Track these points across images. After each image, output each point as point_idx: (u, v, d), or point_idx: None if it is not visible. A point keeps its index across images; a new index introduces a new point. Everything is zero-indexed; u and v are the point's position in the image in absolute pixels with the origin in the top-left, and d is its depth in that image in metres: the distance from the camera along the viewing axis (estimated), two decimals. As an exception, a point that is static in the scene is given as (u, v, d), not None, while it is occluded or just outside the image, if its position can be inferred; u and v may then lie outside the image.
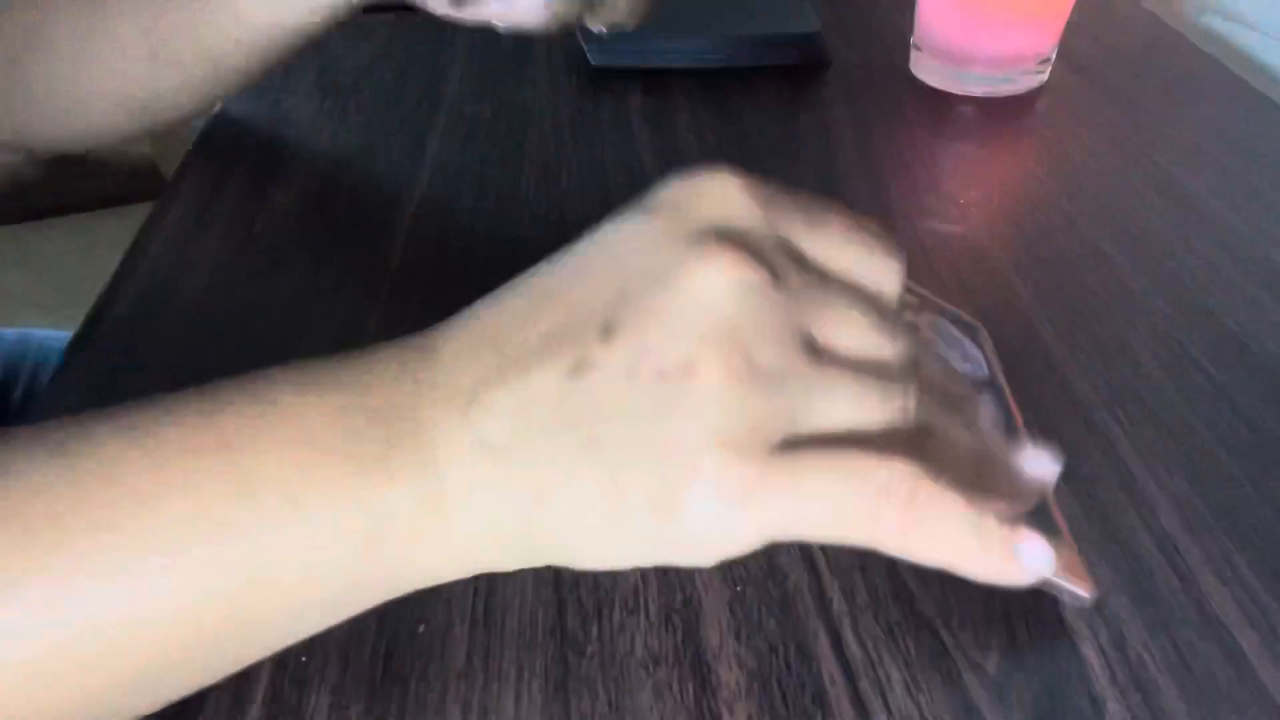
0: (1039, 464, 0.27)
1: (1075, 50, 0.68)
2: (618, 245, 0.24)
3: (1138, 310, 0.44)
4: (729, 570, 0.33)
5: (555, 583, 0.32)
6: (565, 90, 0.64)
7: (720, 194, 0.24)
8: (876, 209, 0.51)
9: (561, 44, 0.70)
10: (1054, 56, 0.63)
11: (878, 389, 0.23)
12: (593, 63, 0.65)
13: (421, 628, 0.31)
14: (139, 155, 1.74)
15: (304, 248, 0.49)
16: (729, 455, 0.21)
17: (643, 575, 0.32)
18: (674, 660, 0.30)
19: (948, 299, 0.45)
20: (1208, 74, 0.66)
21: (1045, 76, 0.64)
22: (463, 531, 0.22)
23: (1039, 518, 0.32)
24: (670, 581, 0.32)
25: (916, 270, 0.46)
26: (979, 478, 0.25)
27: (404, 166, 0.55)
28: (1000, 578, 0.24)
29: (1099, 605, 0.31)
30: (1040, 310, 0.44)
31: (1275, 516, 0.34)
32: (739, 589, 0.32)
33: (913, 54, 0.66)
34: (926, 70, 0.65)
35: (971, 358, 0.39)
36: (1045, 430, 0.38)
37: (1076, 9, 0.62)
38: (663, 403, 0.21)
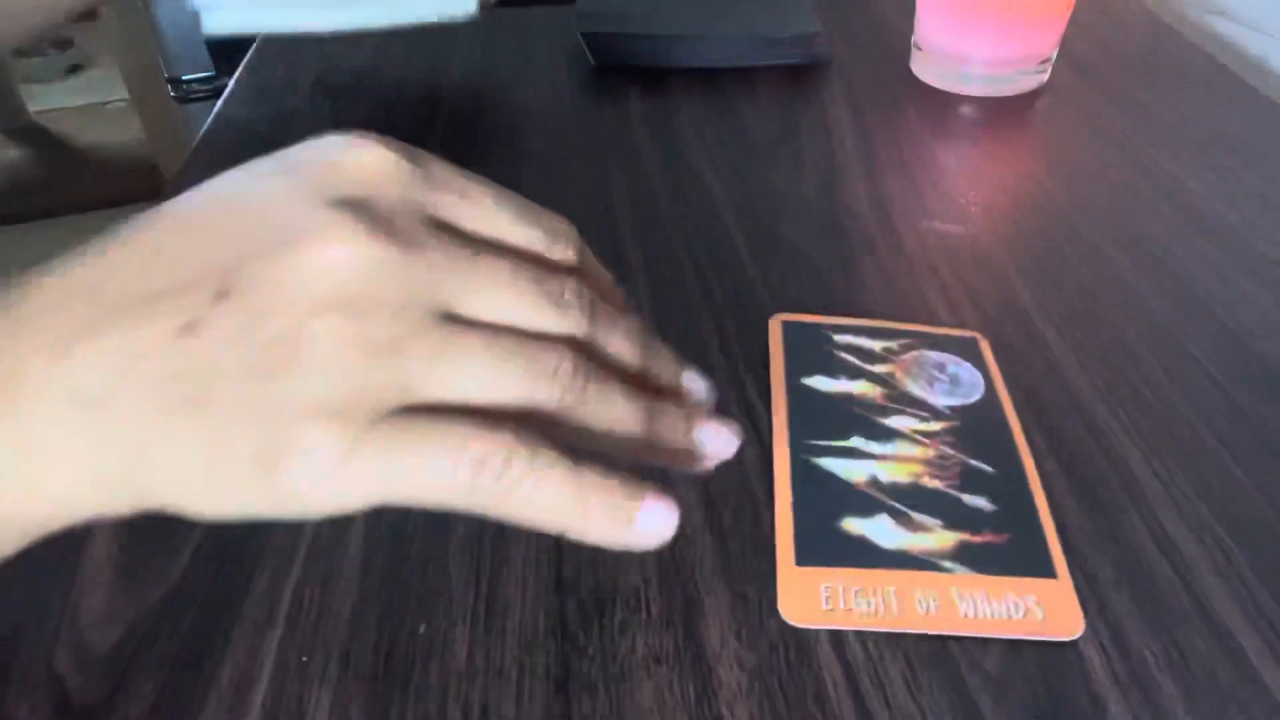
0: (714, 437, 0.27)
1: (1075, 50, 0.68)
2: (242, 203, 0.24)
3: (1138, 310, 0.44)
4: (730, 570, 0.33)
5: (556, 583, 0.32)
6: (565, 90, 0.64)
7: (361, 163, 0.24)
8: (877, 209, 0.51)
9: (561, 44, 0.70)
10: (1054, 56, 0.63)
11: (516, 360, 0.23)
12: (593, 63, 0.65)
13: (422, 628, 0.31)
14: (139, 155, 1.74)
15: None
16: (329, 422, 0.21)
17: (644, 575, 0.32)
18: (675, 660, 0.30)
19: (948, 298, 0.45)
20: (1208, 74, 0.66)
21: (1045, 76, 0.64)
22: (59, 480, 0.22)
23: (1033, 559, 0.32)
24: (671, 581, 0.32)
25: (917, 270, 0.47)
26: (643, 441, 0.25)
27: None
28: (617, 545, 0.24)
29: (1099, 605, 0.31)
30: (1040, 310, 0.44)
31: (1275, 516, 0.34)
32: (739, 589, 0.32)
33: (913, 54, 0.66)
34: (926, 70, 0.65)
35: (964, 381, 0.39)
36: (1047, 430, 0.38)
37: (1077, 9, 0.62)
38: (270, 368, 0.21)
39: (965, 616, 0.31)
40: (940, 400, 0.38)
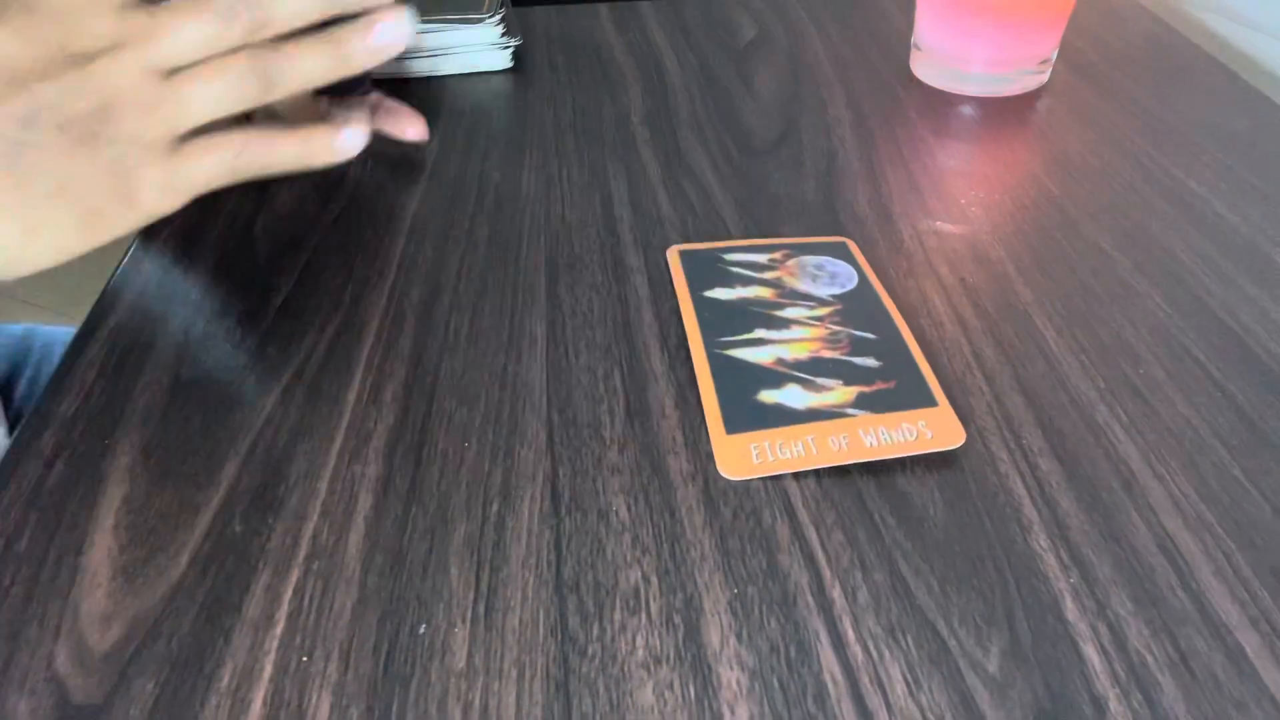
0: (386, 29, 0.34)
1: (1076, 50, 0.68)
2: None
3: (1138, 310, 0.44)
4: (730, 570, 0.33)
5: (556, 582, 0.32)
6: (565, 90, 0.64)
7: None
8: (877, 209, 0.51)
9: (562, 43, 0.70)
10: (1054, 56, 0.63)
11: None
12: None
13: (422, 628, 0.31)
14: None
15: (304, 248, 0.49)
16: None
17: (644, 575, 0.32)
18: (675, 660, 0.30)
19: (948, 298, 0.45)
20: (1208, 73, 0.66)
21: (1045, 77, 0.64)
22: None
23: (918, 395, 0.38)
24: (671, 582, 0.32)
25: (917, 270, 0.47)
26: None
27: (404, 166, 0.56)
28: (324, 160, 0.35)
29: (1099, 605, 0.31)
30: (1040, 309, 0.44)
31: (1275, 515, 0.34)
32: (740, 589, 0.32)
33: (913, 54, 0.66)
34: (926, 70, 0.65)
35: (840, 274, 0.45)
36: (1047, 430, 0.38)
37: (1077, 9, 0.62)
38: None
39: (870, 446, 0.36)
40: (823, 291, 0.44)
